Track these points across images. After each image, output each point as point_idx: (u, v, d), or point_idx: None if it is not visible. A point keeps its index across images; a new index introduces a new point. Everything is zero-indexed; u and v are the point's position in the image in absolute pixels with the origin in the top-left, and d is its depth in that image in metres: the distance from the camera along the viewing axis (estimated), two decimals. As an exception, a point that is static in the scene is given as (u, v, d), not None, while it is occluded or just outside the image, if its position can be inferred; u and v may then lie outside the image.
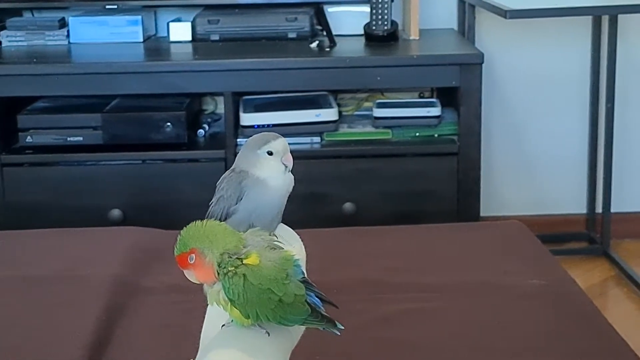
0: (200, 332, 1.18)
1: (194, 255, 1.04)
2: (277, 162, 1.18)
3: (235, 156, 1.22)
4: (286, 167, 1.18)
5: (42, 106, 2.64)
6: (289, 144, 1.21)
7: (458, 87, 2.50)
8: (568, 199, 3.04)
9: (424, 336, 1.43)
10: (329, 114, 2.59)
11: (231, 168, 1.21)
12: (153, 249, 1.79)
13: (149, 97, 2.60)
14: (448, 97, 2.67)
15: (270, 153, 1.17)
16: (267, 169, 1.17)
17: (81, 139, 2.52)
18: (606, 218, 2.92)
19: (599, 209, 2.98)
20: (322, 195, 2.52)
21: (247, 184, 1.17)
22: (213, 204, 1.20)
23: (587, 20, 2.91)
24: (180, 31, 2.75)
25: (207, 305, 1.14)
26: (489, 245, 1.82)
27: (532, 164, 3.02)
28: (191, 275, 1.06)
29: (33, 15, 2.89)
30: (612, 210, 2.92)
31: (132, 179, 2.52)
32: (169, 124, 2.52)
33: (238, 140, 2.51)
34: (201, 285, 1.08)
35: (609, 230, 2.92)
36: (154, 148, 2.52)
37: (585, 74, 2.95)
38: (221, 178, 1.21)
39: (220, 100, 2.73)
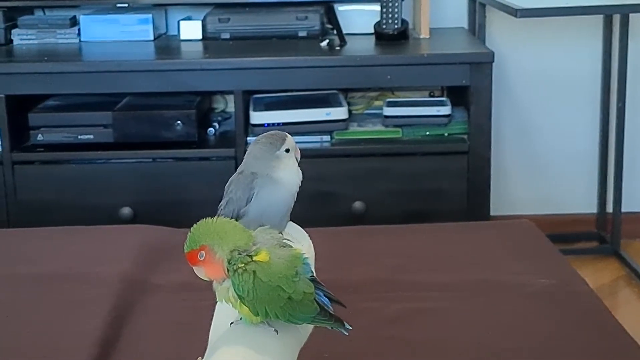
0: (209, 329, 1.18)
1: (203, 252, 1.05)
2: (294, 158, 1.19)
3: (245, 154, 1.22)
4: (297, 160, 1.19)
5: (53, 104, 2.65)
6: (299, 142, 1.22)
7: (468, 86, 2.49)
8: (578, 198, 3.03)
9: (433, 335, 1.43)
10: (339, 112, 2.59)
11: (238, 171, 1.21)
12: (163, 247, 1.79)
13: (160, 95, 2.61)
14: (458, 96, 2.67)
15: (287, 151, 1.18)
16: (286, 167, 1.18)
17: (92, 137, 2.53)
18: (616, 218, 2.91)
19: (609, 208, 2.97)
20: (331, 194, 2.52)
21: (259, 184, 1.17)
22: (222, 206, 1.20)
23: (598, 19, 2.90)
24: (190, 30, 2.76)
25: (216, 303, 1.14)
26: (499, 245, 1.82)
27: (542, 164, 3.02)
28: (201, 272, 1.06)
29: (44, 13, 2.90)
30: (623, 210, 2.91)
31: (143, 177, 2.52)
32: (179, 122, 2.52)
33: (248, 138, 2.52)
34: (210, 282, 1.08)
35: (619, 229, 2.91)
36: (165, 146, 2.53)
37: (596, 73, 2.94)
38: (229, 181, 1.21)
39: (231, 98, 2.74)
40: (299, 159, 1.20)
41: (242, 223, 1.15)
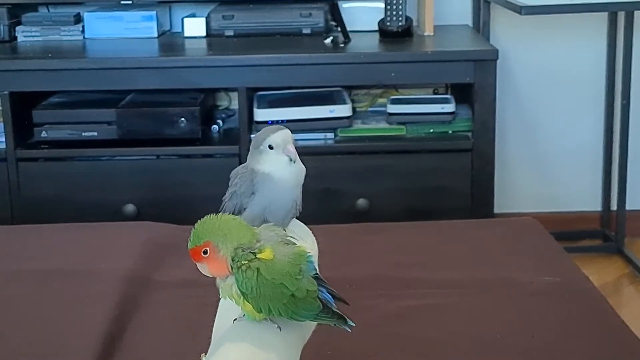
0: (212, 326, 1.18)
1: (207, 248, 1.05)
2: (279, 155, 1.18)
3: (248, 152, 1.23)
4: (290, 159, 1.18)
5: (57, 101, 2.65)
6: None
7: (472, 84, 2.49)
8: (582, 196, 3.03)
9: (436, 332, 1.43)
10: (343, 110, 2.58)
11: (244, 164, 1.21)
12: (166, 243, 1.79)
13: (164, 92, 2.61)
14: (462, 93, 2.66)
15: (270, 147, 1.17)
16: (269, 163, 1.17)
17: (96, 134, 2.53)
18: (621, 215, 2.91)
19: (613, 206, 2.97)
20: (335, 191, 2.52)
21: (258, 181, 1.17)
22: (227, 199, 1.21)
23: (603, 16, 2.90)
24: (194, 27, 2.76)
25: (220, 299, 1.14)
26: (503, 242, 1.82)
27: (546, 161, 3.01)
28: (204, 269, 1.06)
29: (49, 10, 2.90)
30: (627, 207, 2.91)
31: (146, 174, 2.52)
32: (183, 119, 2.52)
33: (252, 136, 2.51)
34: (213, 279, 1.08)
35: (623, 227, 2.90)
36: (168, 143, 2.53)
37: (600, 70, 2.94)
38: (235, 171, 1.21)
39: (235, 95, 2.74)
40: (292, 157, 1.18)
41: (245, 217, 1.15)
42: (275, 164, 1.17)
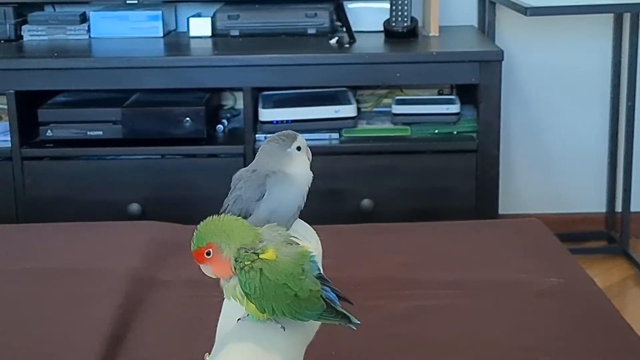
0: (216, 326, 1.18)
1: (211, 249, 1.05)
2: (305, 157, 1.20)
3: (254, 152, 1.22)
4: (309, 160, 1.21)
5: (63, 100, 2.65)
6: (307, 140, 1.23)
7: (477, 85, 2.49)
8: (587, 197, 3.02)
9: (440, 333, 1.43)
10: (347, 110, 2.58)
11: (250, 168, 1.20)
12: (171, 243, 1.80)
13: (169, 92, 2.61)
14: (467, 94, 2.66)
15: (299, 149, 1.19)
16: (299, 165, 1.19)
17: (101, 133, 2.53)
18: (626, 217, 2.90)
19: (618, 207, 2.97)
20: (340, 191, 2.52)
21: (271, 183, 1.17)
22: (230, 203, 1.20)
23: (609, 17, 2.89)
24: (200, 26, 2.76)
25: (223, 299, 1.14)
26: (507, 243, 1.82)
27: (551, 162, 3.01)
28: (207, 270, 1.07)
29: (54, 9, 2.90)
30: (632, 209, 2.90)
31: (151, 173, 2.53)
32: (188, 119, 2.53)
33: (257, 135, 2.51)
34: (217, 279, 1.08)
35: (628, 229, 2.90)
36: (173, 143, 2.53)
37: (606, 71, 2.93)
38: (238, 175, 1.21)
39: (240, 95, 2.74)
40: (310, 160, 1.20)
41: (250, 221, 1.15)
42: (302, 166, 1.19)
